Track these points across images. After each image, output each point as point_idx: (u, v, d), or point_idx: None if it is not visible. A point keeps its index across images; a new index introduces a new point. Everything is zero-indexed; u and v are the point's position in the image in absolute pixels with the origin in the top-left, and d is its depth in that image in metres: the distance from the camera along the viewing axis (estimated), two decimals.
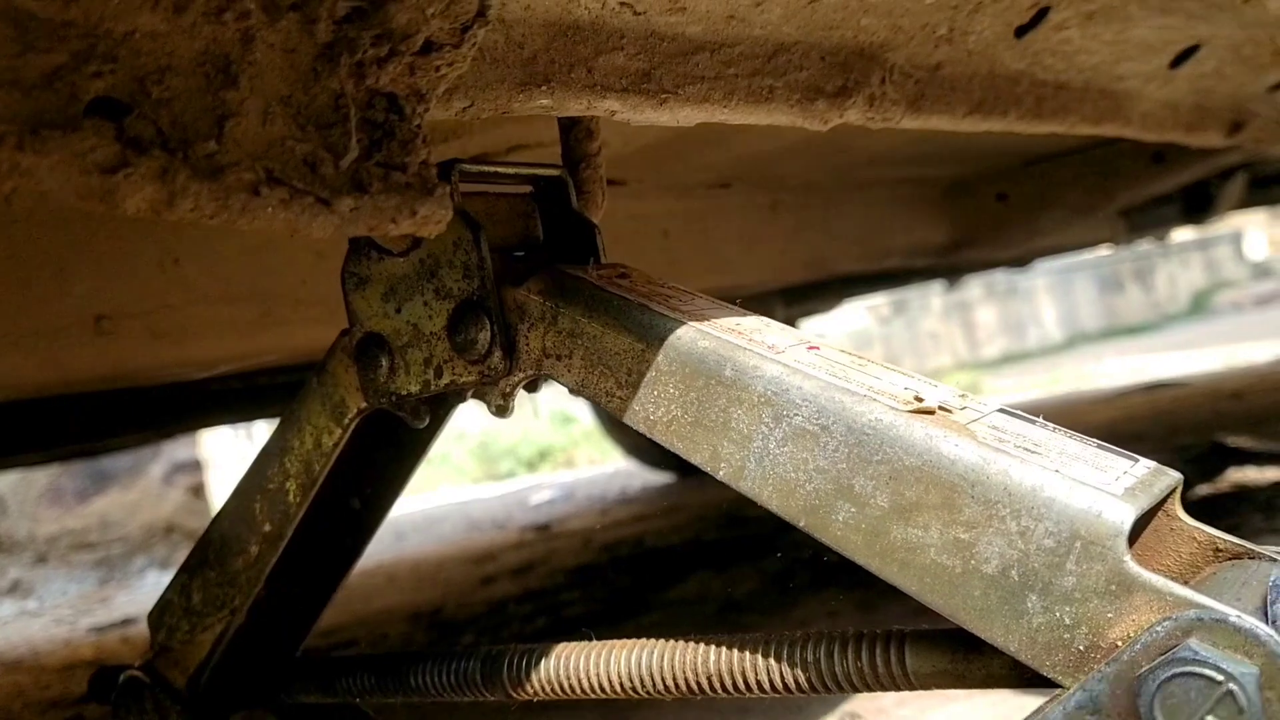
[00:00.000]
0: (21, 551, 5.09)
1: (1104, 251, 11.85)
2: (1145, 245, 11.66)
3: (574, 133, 0.88)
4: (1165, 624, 0.54)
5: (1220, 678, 0.52)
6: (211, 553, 0.97)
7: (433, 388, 0.77)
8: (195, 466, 5.38)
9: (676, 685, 0.77)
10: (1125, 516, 0.57)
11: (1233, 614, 0.53)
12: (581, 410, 7.78)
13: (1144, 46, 1.22)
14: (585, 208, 0.87)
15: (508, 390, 0.76)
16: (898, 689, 0.70)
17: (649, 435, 0.72)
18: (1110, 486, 0.59)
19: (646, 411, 0.71)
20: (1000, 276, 11.15)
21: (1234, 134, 1.57)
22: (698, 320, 0.72)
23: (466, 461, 8.74)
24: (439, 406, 0.85)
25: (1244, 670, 0.51)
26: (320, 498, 0.96)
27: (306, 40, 0.49)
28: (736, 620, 2.31)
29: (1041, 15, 1.03)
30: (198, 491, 5.32)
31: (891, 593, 0.71)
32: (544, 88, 0.64)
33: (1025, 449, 0.63)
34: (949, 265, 2.79)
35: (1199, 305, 12.37)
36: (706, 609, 2.52)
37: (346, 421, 0.84)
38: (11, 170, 0.41)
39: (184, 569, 1.00)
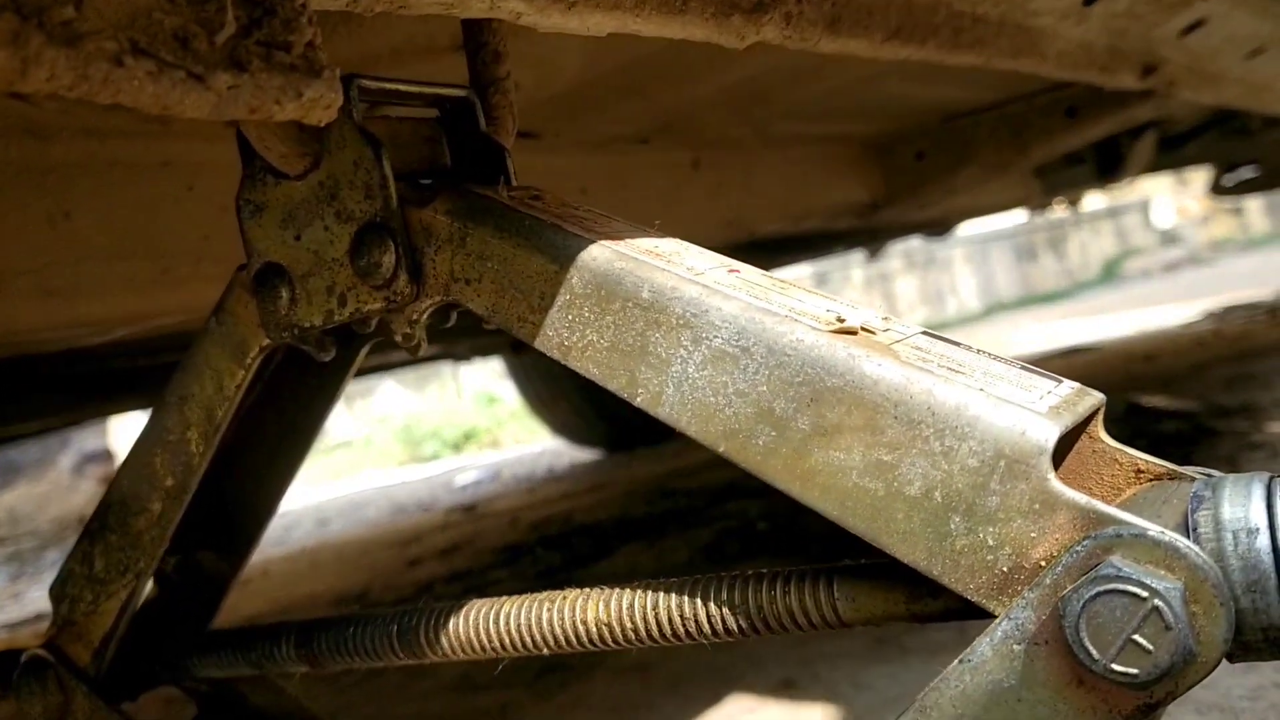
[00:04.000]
0: None
1: (1019, 220, 12.07)
2: (1058, 214, 11.90)
3: (481, 55, 0.84)
4: (1086, 542, 0.52)
5: (1145, 594, 0.50)
6: (112, 516, 0.92)
7: (336, 317, 0.73)
8: (106, 456, 5.22)
9: (600, 637, 0.74)
10: (1049, 434, 0.55)
11: (1153, 528, 0.51)
12: (507, 391, 7.71)
13: None
14: (495, 133, 0.83)
15: (415, 317, 0.72)
16: (830, 628, 0.67)
17: (563, 361, 0.68)
18: (1034, 405, 0.57)
19: (560, 337, 0.68)
20: (919, 248, 11.30)
21: (1146, 77, 1.58)
22: (614, 241, 0.69)
23: (390, 445, 8.61)
24: (347, 343, 0.81)
25: (1168, 585, 0.50)
26: (227, 447, 0.92)
27: None
28: None
29: None
30: (107, 482, 5.17)
31: (826, 557, 0.68)
32: None
33: (949, 369, 0.61)
34: (869, 227, 2.79)
35: (1110, 272, 12.67)
36: None
37: (249, 360, 0.80)
38: None
39: (84, 535, 0.95)
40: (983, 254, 12.14)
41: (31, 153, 1.17)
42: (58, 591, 0.96)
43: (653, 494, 3.76)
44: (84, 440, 5.09)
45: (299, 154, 0.72)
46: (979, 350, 0.64)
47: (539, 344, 0.68)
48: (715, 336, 0.62)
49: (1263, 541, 0.50)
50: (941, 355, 0.62)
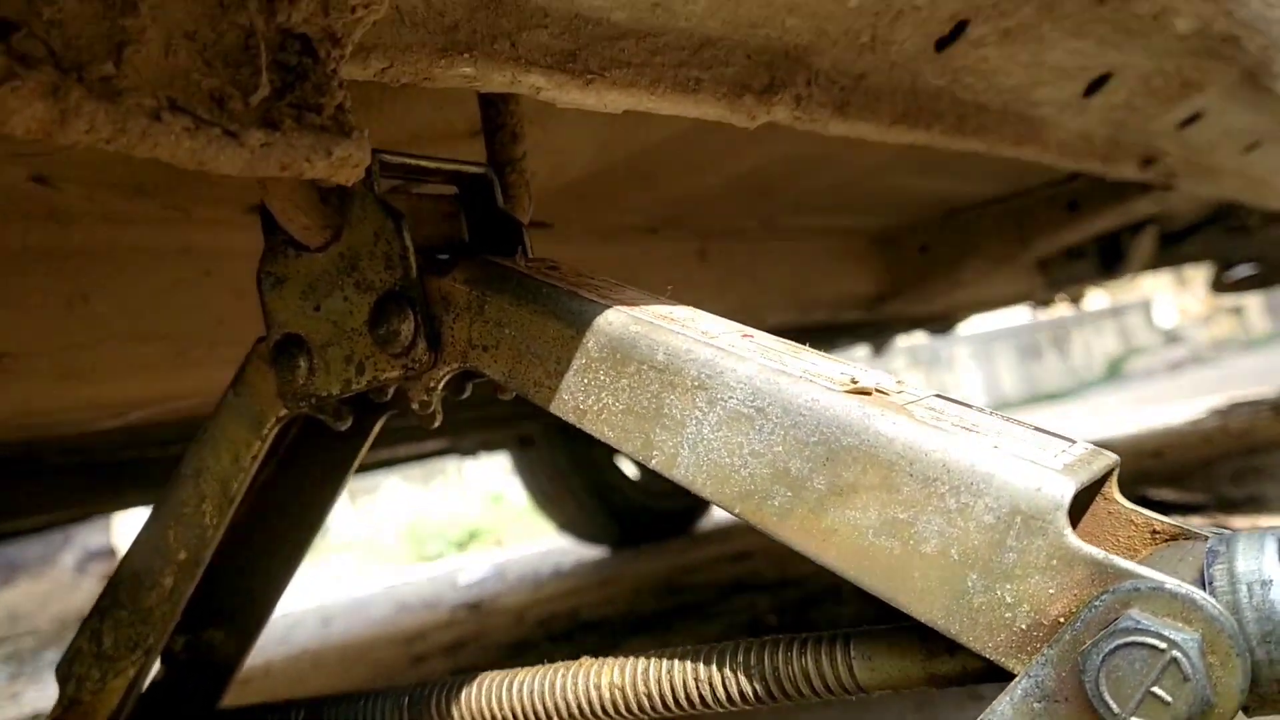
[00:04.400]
0: None
1: (1023, 319, 12.14)
2: (1061, 313, 11.96)
3: (500, 135, 0.87)
4: (1105, 597, 0.53)
5: (1163, 645, 0.50)
6: (123, 591, 0.91)
7: (354, 386, 0.74)
8: (109, 554, 5.19)
9: (614, 704, 0.73)
10: (1065, 490, 0.55)
11: (1170, 581, 0.51)
12: (512, 488, 7.68)
13: (1058, 71, 1.25)
14: (511, 210, 0.85)
15: (432, 385, 0.73)
16: (847, 694, 0.67)
17: (578, 425, 0.69)
18: (1049, 462, 0.58)
19: (576, 400, 0.68)
20: (923, 345, 11.34)
21: (1146, 168, 1.61)
22: (629, 307, 0.70)
23: (395, 545, 8.55)
24: (364, 414, 0.82)
25: (1185, 636, 0.50)
26: (238, 522, 0.92)
27: None
28: None
29: (960, 29, 1.04)
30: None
31: None
32: (466, 55, 0.62)
33: (963, 428, 0.61)
34: (875, 320, 2.81)
35: (1114, 371, 12.69)
36: None
37: (265, 431, 0.80)
38: None
39: (93, 612, 0.94)
40: (987, 352, 12.18)
41: (53, 237, 1.19)
42: (64, 670, 0.95)
43: (660, 590, 3.72)
44: (87, 537, 5.06)
45: (321, 226, 0.73)
46: (992, 412, 0.65)
47: (554, 408, 0.68)
48: (730, 398, 0.63)
49: (1276, 594, 0.50)
50: (955, 415, 0.62)
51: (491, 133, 0.88)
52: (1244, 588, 0.51)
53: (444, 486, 9.91)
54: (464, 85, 0.65)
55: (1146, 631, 0.50)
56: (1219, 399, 6.80)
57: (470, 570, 6.22)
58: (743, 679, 0.68)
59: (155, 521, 0.88)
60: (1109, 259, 3.23)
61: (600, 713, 0.73)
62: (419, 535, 8.40)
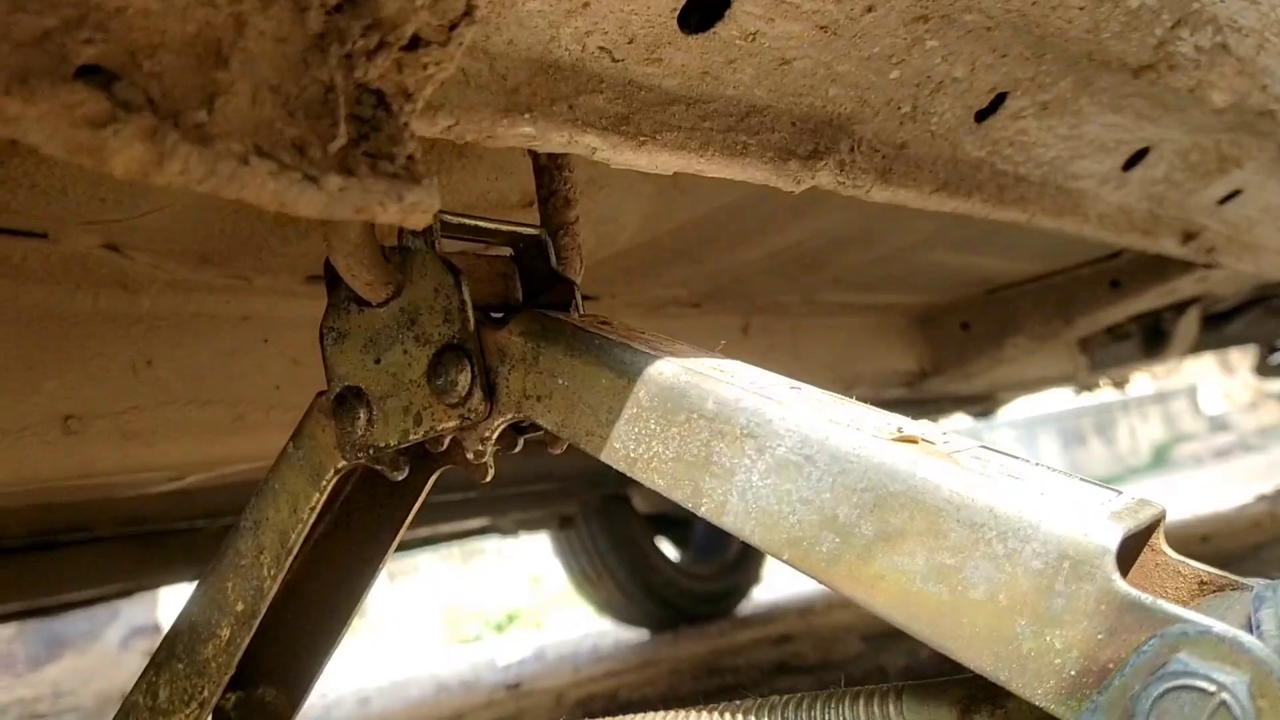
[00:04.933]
0: None
1: (1066, 404, 12.01)
2: (1105, 398, 11.83)
3: (553, 200, 0.90)
4: (1154, 641, 0.53)
5: (1212, 688, 0.50)
6: (180, 643, 0.93)
7: (412, 436, 0.76)
8: (154, 630, 5.20)
9: None
10: (1113, 535, 0.56)
11: (1218, 625, 0.52)
12: (552, 571, 7.63)
13: (1097, 145, 1.27)
14: (564, 270, 0.88)
15: (486, 435, 0.75)
16: None
17: (629, 473, 0.71)
18: (1096, 509, 0.59)
19: (627, 449, 0.70)
20: (966, 429, 11.24)
21: (1186, 244, 1.62)
22: (679, 358, 0.72)
23: (433, 626, 8.50)
24: (419, 466, 0.84)
25: (1235, 679, 0.50)
26: (293, 575, 0.93)
27: (298, 29, 0.50)
28: None
29: (999, 101, 1.07)
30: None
31: None
32: (526, 115, 0.66)
33: (1009, 476, 0.62)
34: (917, 398, 2.81)
35: (1160, 458, 12.49)
36: None
37: (324, 483, 0.82)
38: None
39: (149, 667, 0.96)
40: (1030, 437, 12.05)
41: (120, 303, 1.24)
42: None
43: (700, 672, 3.67)
44: (133, 613, 5.09)
45: (383, 282, 0.76)
46: (1037, 463, 0.66)
47: (605, 456, 0.70)
48: (779, 445, 0.64)
49: None
50: (1000, 464, 0.63)
51: (545, 198, 0.91)
52: None
53: (483, 567, 9.88)
54: (524, 144, 0.68)
55: (1196, 675, 0.51)
56: (1267, 485, 6.67)
57: (509, 651, 6.17)
58: None
59: (214, 573, 0.90)
60: (1152, 340, 3.22)
61: None
62: (458, 616, 8.36)
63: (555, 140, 0.69)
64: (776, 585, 5.27)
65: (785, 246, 1.73)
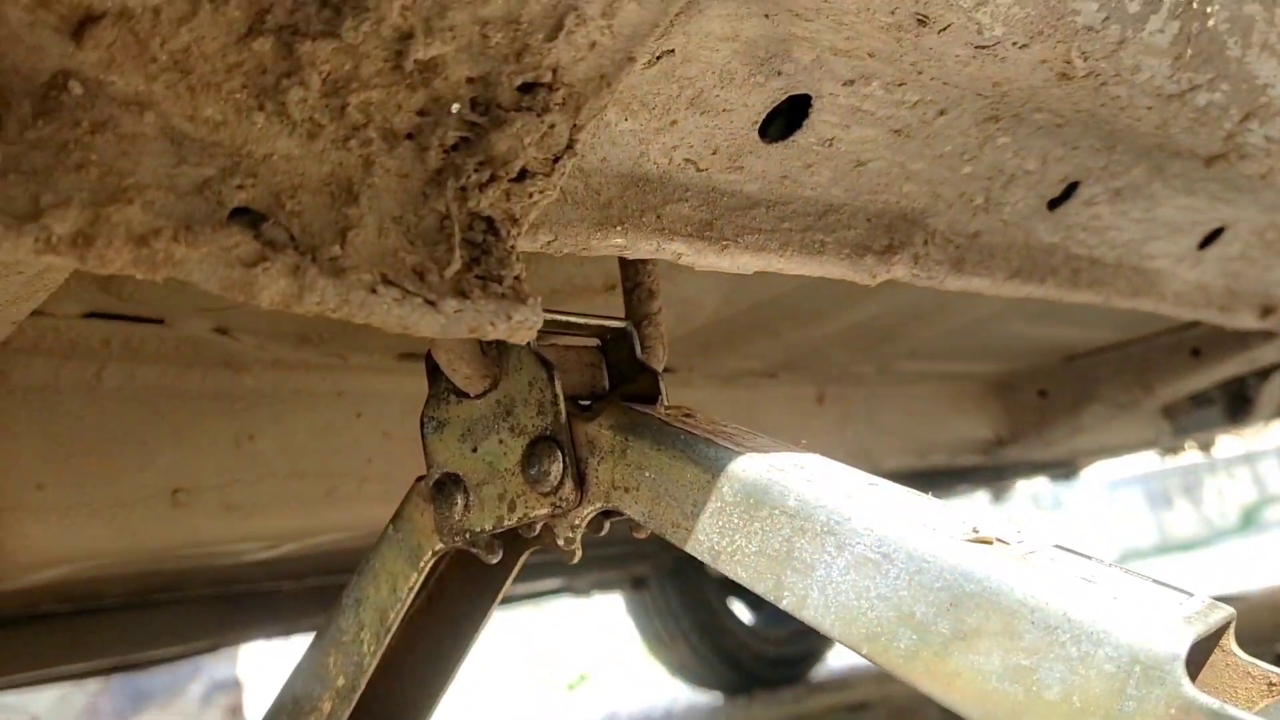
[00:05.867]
0: None
1: (1151, 466, 11.74)
2: (1192, 459, 11.54)
3: (637, 292, 0.95)
4: None
5: None
6: (283, 716, 0.98)
7: (506, 521, 0.81)
8: (234, 686, 5.30)
9: None
10: (1183, 641, 0.58)
11: None
12: (626, 631, 7.62)
13: (1171, 226, 1.29)
14: (648, 360, 0.92)
15: (576, 522, 0.79)
16: None
17: (713, 565, 0.74)
18: (1167, 614, 0.61)
19: (711, 541, 0.73)
20: (1047, 491, 11.03)
21: (1266, 317, 1.62)
22: (761, 454, 0.75)
23: (506, 686, 8.51)
24: (511, 548, 0.88)
25: None
26: (390, 650, 0.98)
27: (419, 166, 0.55)
28: None
29: (1072, 189, 1.10)
30: (235, 711, 5.22)
31: None
32: (618, 228, 0.70)
33: (1082, 579, 0.65)
34: (995, 464, 2.80)
35: (1249, 520, 12.12)
36: None
37: (422, 564, 0.87)
38: (166, 260, 0.47)
39: None
40: (1113, 499, 11.78)
41: (224, 382, 1.31)
42: None
43: None
44: (214, 668, 5.19)
45: (481, 376, 0.81)
46: (1111, 564, 0.68)
47: (690, 548, 0.74)
48: (858, 543, 0.67)
49: None
50: (1074, 566, 0.66)
51: (630, 290, 0.95)
52: None
53: (557, 628, 9.88)
54: (615, 253, 0.73)
55: None
56: None
57: (578, 711, 6.16)
58: None
59: (316, 648, 0.95)
60: (1237, 406, 3.16)
61: None
62: (531, 678, 8.36)
63: (644, 249, 0.73)
64: (851, 652, 5.22)
65: (860, 320, 1.76)
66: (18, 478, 1.13)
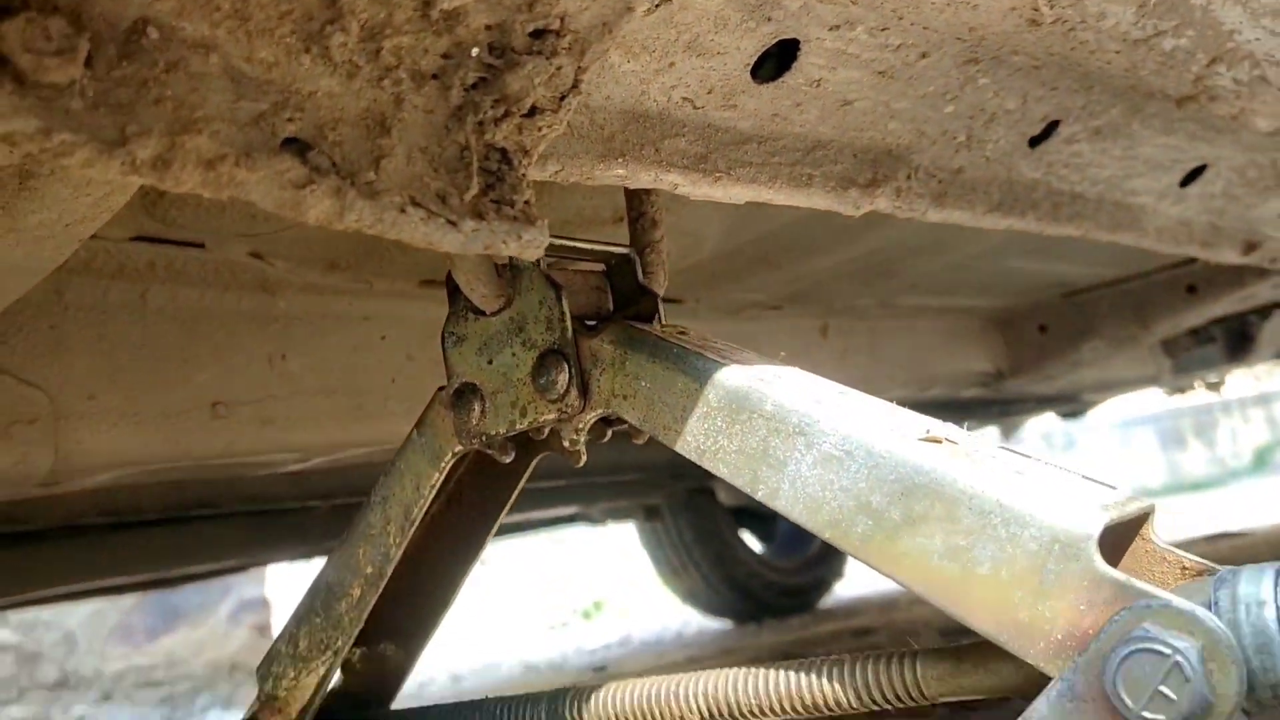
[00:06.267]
0: (87, 688, 5.18)
1: (1164, 405, 11.79)
2: (1206, 399, 11.59)
3: (641, 221, 1.03)
4: (1124, 613, 0.63)
5: (1168, 651, 0.61)
6: (318, 601, 1.08)
7: (518, 425, 0.90)
8: (262, 604, 5.48)
9: (722, 711, 0.86)
10: (1097, 524, 0.66)
11: (1178, 600, 0.62)
12: (640, 560, 7.78)
13: (1152, 164, 1.35)
14: (649, 284, 1.00)
15: (580, 426, 0.88)
16: (914, 702, 0.78)
17: (698, 462, 0.83)
18: (1087, 502, 0.69)
19: (697, 442, 0.82)
20: (1059, 430, 11.11)
21: (1248, 253, 1.68)
22: (744, 366, 0.84)
23: (525, 611, 8.72)
24: (522, 452, 0.97)
25: (1187, 645, 0.61)
26: (413, 545, 1.08)
27: (442, 103, 0.64)
28: None
29: (1052, 128, 1.17)
30: (263, 630, 5.41)
31: None
32: (619, 160, 0.79)
33: (1016, 472, 0.73)
34: (997, 398, 2.88)
35: (1262, 461, 12.18)
36: None
37: (443, 465, 0.96)
38: (230, 181, 0.56)
39: (292, 620, 1.11)
40: (1126, 438, 11.86)
41: (260, 304, 1.40)
42: (264, 670, 1.12)
43: (779, 660, 3.78)
44: (243, 588, 5.37)
45: (496, 295, 0.90)
46: (1045, 461, 0.77)
47: (679, 447, 0.83)
48: (825, 442, 0.76)
49: (1270, 613, 0.60)
50: (1011, 462, 0.75)
51: (634, 219, 1.04)
52: (1243, 608, 0.61)
53: (574, 556, 10.08)
54: (617, 183, 0.81)
55: (1156, 640, 0.61)
56: None
57: (594, 635, 6.35)
58: (837, 688, 0.80)
59: (347, 542, 1.05)
60: (1236, 344, 3.23)
61: (720, 714, 0.86)
62: (548, 602, 8.57)
63: (643, 179, 0.82)
64: (859, 581, 5.34)
65: (860, 254, 1.84)
66: (72, 389, 1.23)
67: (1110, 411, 10.13)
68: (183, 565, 2.84)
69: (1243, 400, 12.75)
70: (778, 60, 0.88)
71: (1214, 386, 4.73)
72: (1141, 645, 0.61)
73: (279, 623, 5.81)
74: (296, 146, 0.59)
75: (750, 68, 0.85)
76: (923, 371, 2.42)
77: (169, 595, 5.03)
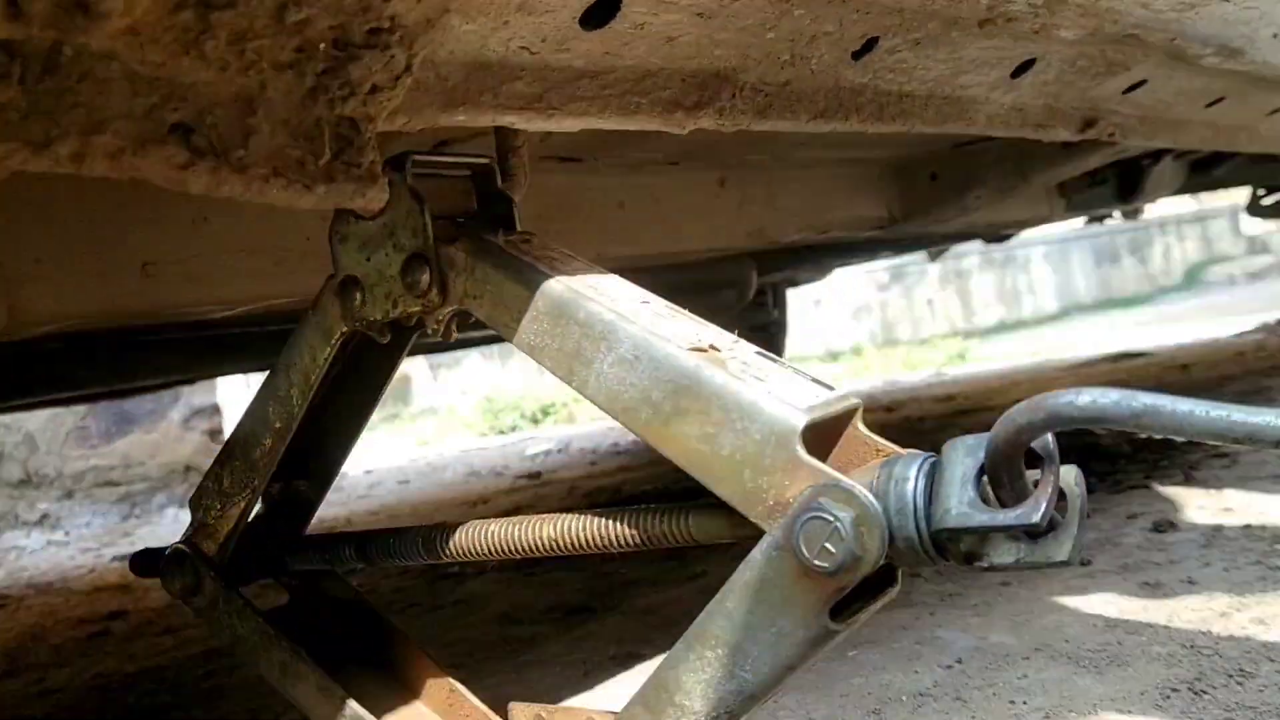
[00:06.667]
0: (50, 486, 5.47)
1: (1101, 227, 12.07)
2: (1143, 217, 11.88)
3: (502, 132, 1.20)
4: (809, 489, 0.85)
5: (831, 518, 0.83)
6: (237, 447, 1.29)
7: (391, 314, 1.09)
8: (213, 411, 5.74)
9: (547, 546, 1.09)
10: (800, 420, 0.87)
11: (844, 480, 0.84)
12: None
13: (979, 62, 1.52)
14: (511, 188, 1.18)
15: (440, 318, 1.08)
16: (683, 544, 1.01)
17: (531, 357, 1.03)
18: (800, 403, 0.90)
19: (529, 339, 1.02)
20: (999, 248, 11.39)
21: (1086, 130, 1.87)
22: (568, 278, 1.03)
23: (472, 416, 9.07)
24: (399, 335, 1.17)
25: (844, 514, 0.83)
26: (318, 403, 1.29)
27: (299, 84, 0.81)
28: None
29: (873, 43, 1.33)
30: (214, 435, 5.68)
31: None
32: (460, 108, 0.96)
33: (756, 377, 0.94)
34: (892, 238, 3.09)
35: (1192, 278, 12.61)
36: None
37: (333, 341, 1.16)
38: (129, 168, 0.73)
39: (216, 461, 1.31)
40: (1062, 254, 12.19)
41: None
42: (195, 501, 1.34)
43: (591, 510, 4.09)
44: (193, 395, 5.61)
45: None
46: (785, 364, 0.98)
47: (515, 343, 1.03)
48: (621, 347, 0.97)
49: (907, 487, 0.83)
50: (756, 367, 0.95)
51: (498, 129, 1.21)
52: (893, 484, 0.84)
53: (522, 364, 10.37)
54: (459, 125, 0.98)
55: (825, 510, 0.84)
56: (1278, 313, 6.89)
57: (537, 442, 6.70)
58: (628, 529, 1.04)
59: (259, 399, 1.25)
60: (1127, 185, 3.44)
61: (536, 550, 1.10)
62: (495, 408, 8.91)
63: (482, 121, 0.99)
64: None
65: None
66: (20, 254, 1.41)
67: (1049, 229, 10.38)
68: (131, 381, 3.05)
69: (1179, 218, 13.07)
70: (604, 9, 1.03)
71: (1128, 215, 4.96)
72: (816, 514, 0.84)
73: (230, 427, 6.08)
74: (182, 130, 0.77)
75: (579, 19, 1.01)
76: (818, 219, 2.61)
77: (121, 402, 5.26)
